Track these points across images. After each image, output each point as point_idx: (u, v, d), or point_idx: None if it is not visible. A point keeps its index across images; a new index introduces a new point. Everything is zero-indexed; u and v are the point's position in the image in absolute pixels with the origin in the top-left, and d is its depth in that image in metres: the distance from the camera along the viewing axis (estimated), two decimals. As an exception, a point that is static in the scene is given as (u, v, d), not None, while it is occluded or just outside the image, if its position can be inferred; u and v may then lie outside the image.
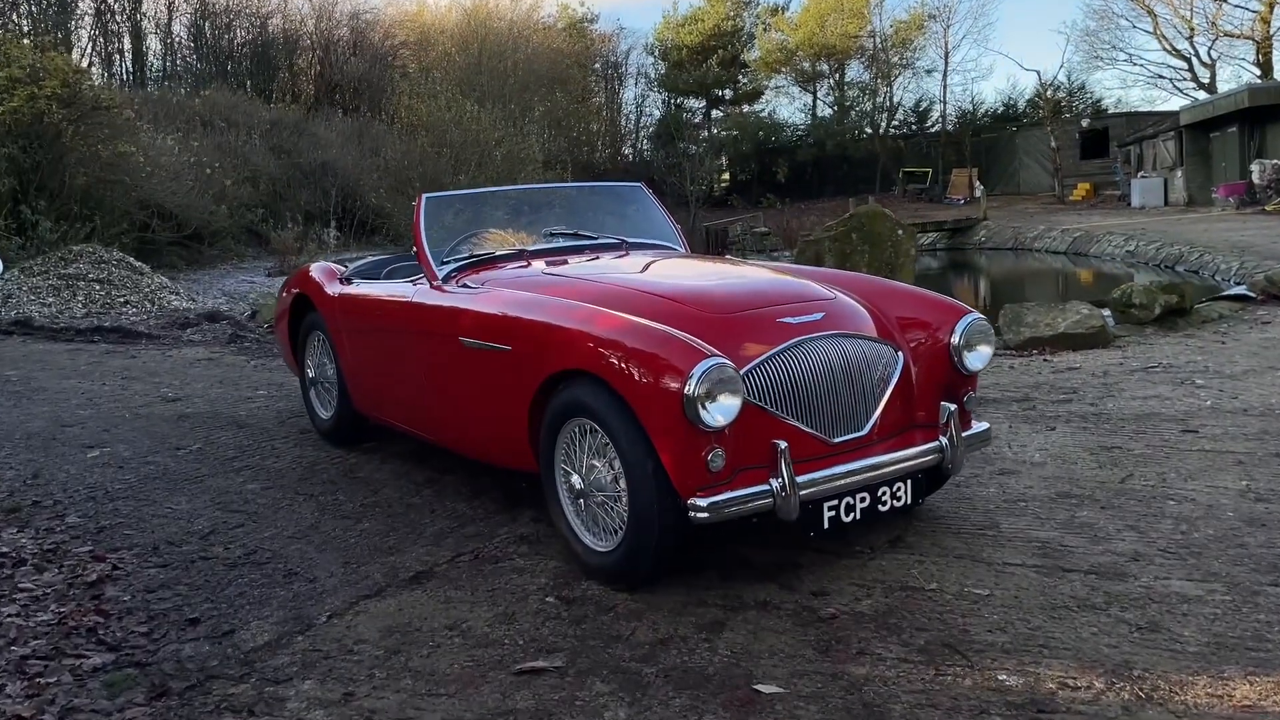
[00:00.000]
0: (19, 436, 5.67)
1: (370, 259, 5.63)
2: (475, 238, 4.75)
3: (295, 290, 5.53)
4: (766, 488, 3.27)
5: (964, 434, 3.75)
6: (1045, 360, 7.23)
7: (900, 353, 3.78)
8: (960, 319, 3.83)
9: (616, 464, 3.41)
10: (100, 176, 15.44)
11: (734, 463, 3.30)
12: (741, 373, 3.34)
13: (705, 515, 3.19)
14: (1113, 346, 7.65)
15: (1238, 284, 10.21)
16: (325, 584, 3.66)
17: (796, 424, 3.44)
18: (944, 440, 3.67)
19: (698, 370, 3.14)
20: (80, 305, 10.96)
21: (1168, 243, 19.34)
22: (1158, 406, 5.65)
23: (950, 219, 33.89)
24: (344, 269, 5.38)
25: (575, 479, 3.56)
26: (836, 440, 3.52)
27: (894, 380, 3.70)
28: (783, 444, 3.29)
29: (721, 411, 3.18)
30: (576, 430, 3.57)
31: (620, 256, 4.71)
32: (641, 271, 4.29)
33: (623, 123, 47.98)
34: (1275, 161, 24.48)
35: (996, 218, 33.08)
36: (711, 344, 3.39)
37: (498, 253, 4.57)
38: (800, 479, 3.32)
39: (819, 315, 3.67)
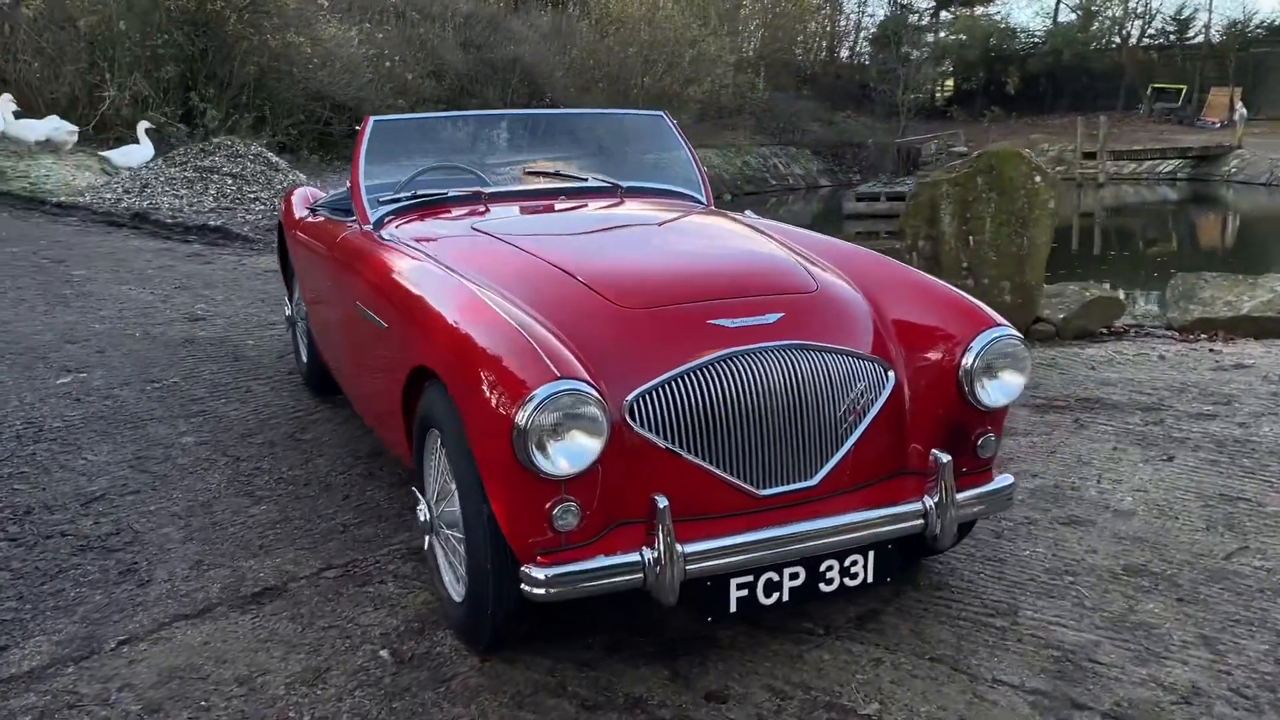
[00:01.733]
0: (17, 351, 5.40)
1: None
2: (441, 173, 3.96)
3: (279, 216, 4.93)
4: (635, 559, 2.40)
5: (965, 494, 2.73)
6: (1212, 351, 5.79)
7: (892, 373, 2.76)
8: (980, 332, 2.76)
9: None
10: (269, 66, 15.48)
11: (605, 517, 2.44)
12: (635, 395, 2.46)
13: (541, 592, 2.36)
14: (1309, 336, 6.10)
15: None
16: (153, 592, 3.06)
17: (710, 468, 2.52)
18: (928, 501, 2.66)
19: (536, 397, 2.27)
20: (211, 199, 10.90)
21: None
22: (1331, 436, 4.29)
23: (1198, 145, 30.20)
24: (323, 195, 4.71)
25: (422, 508, 2.79)
26: (767, 493, 2.58)
27: (874, 412, 2.70)
28: (662, 500, 2.39)
29: (568, 455, 2.31)
30: (437, 442, 2.78)
31: (609, 205, 3.80)
32: (588, 234, 3.38)
33: (841, 23, 45.13)
34: None
35: (1254, 146, 29.15)
36: (609, 350, 2.53)
37: (451, 194, 3.76)
38: (692, 547, 2.42)
39: (773, 317, 2.69)
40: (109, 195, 10.91)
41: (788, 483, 2.60)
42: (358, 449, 4.16)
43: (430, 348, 2.66)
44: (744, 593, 2.53)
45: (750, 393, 2.54)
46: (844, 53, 45.45)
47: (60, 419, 4.44)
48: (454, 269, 2.98)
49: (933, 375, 2.78)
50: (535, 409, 2.26)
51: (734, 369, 2.55)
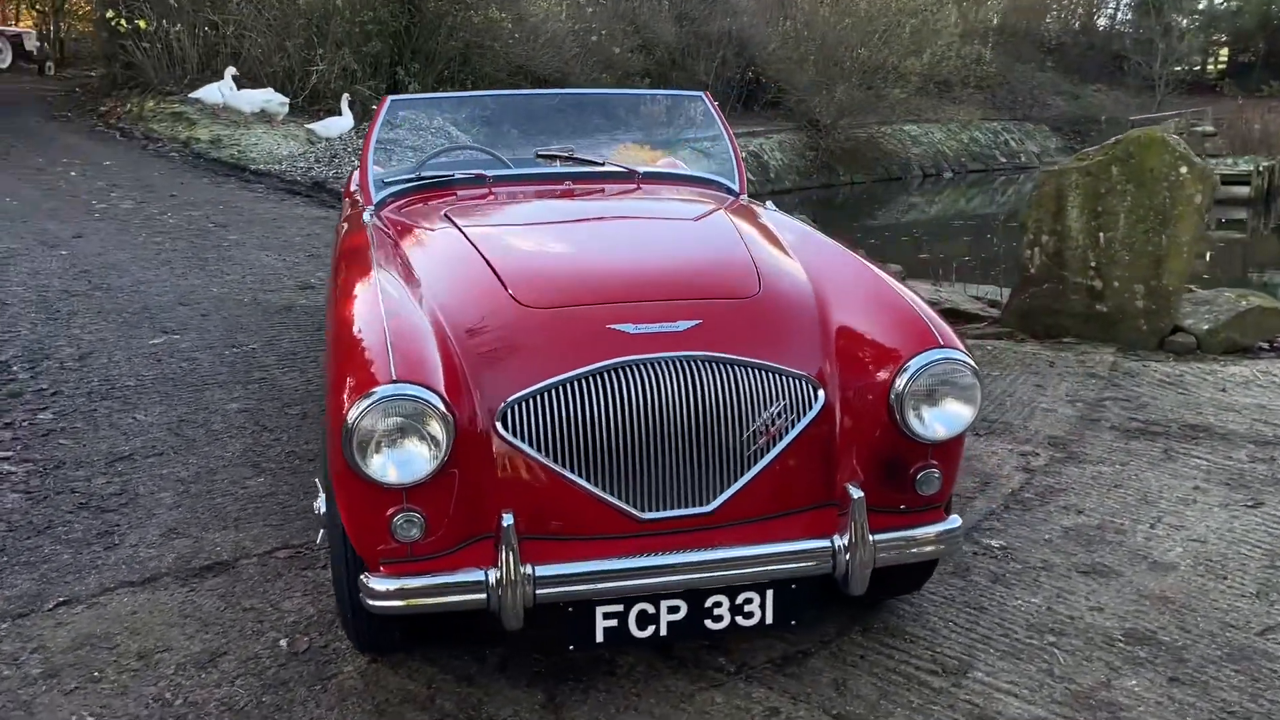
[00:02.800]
0: (133, 310, 5.78)
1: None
2: (459, 154, 3.89)
3: (344, 190, 5.01)
4: (477, 577, 2.25)
5: (889, 535, 2.40)
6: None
7: (821, 393, 2.46)
8: (919, 353, 2.41)
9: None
10: (473, 42, 15.95)
11: (465, 529, 2.30)
12: (510, 402, 2.30)
13: (379, 603, 2.25)
14: None
15: None
16: (114, 556, 3.18)
17: (588, 486, 2.32)
18: (838, 541, 2.36)
19: (370, 398, 2.16)
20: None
21: None
22: None
23: None
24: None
25: (321, 500, 2.73)
26: (651, 517, 2.35)
27: (792, 436, 2.42)
28: (508, 518, 2.23)
29: (398, 464, 2.18)
30: (333, 437, 2.72)
31: (622, 193, 3.61)
32: (547, 226, 3.19)
33: (1103, -11, 41.86)
34: None
35: None
36: (498, 351, 2.39)
37: (456, 176, 3.68)
38: (546, 570, 2.25)
39: (685, 325, 2.45)
40: (301, 164, 11.59)
41: (679, 508, 2.36)
42: (379, 427, 4.18)
43: (326, 337, 2.61)
44: (612, 623, 2.33)
45: (640, 407, 2.31)
46: (1101, 21, 42.23)
47: (135, 378, 4.72)
48: (400, 258, 2.90)
49: (868, 397, 2.45)
50: (364, 411, 2.14)
51: (624, 380, 2.33)
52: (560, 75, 18.52)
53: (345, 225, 3.65)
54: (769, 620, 2.40)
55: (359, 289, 2.65)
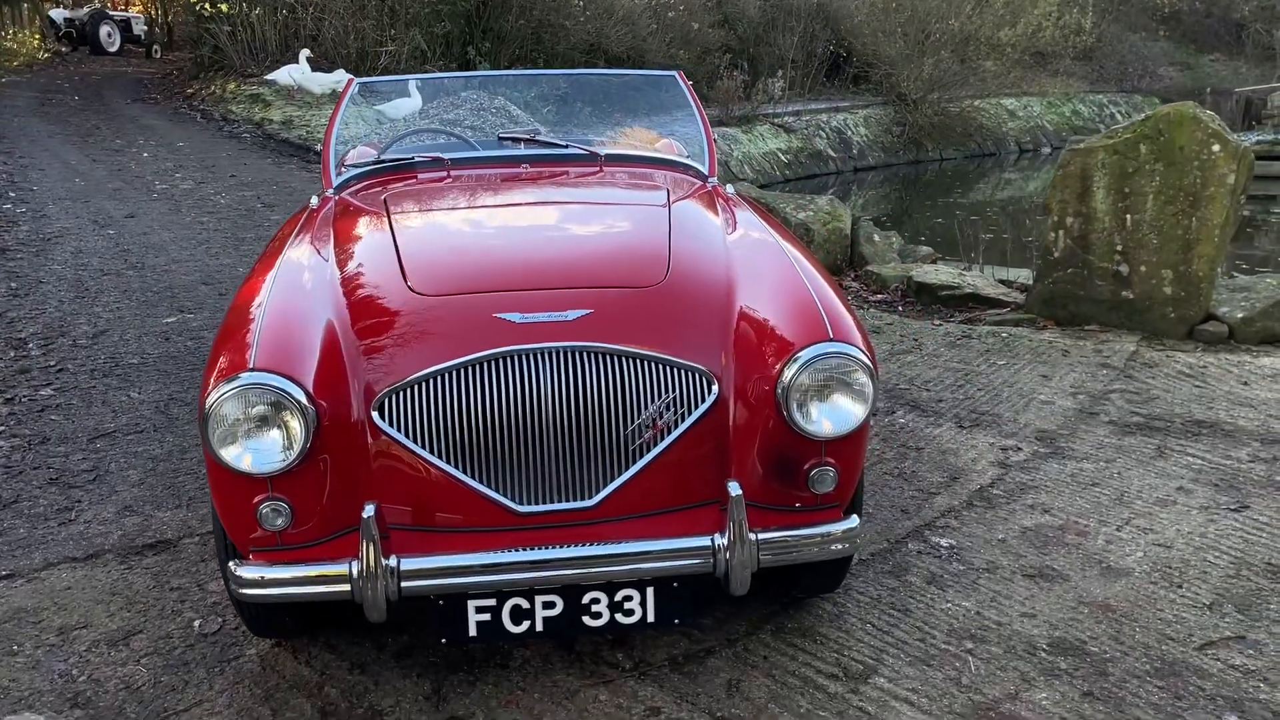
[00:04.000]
0: (158, 289, 5.94)
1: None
2: (423, 138, 3.87)
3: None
4: (341, 569, 2.23)
5: (773, 534, 2.31)
6: None
7: (715, 386, 2.37)
8: (810, 344, 2.30)
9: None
10: (544, 20, 15.95)
11: (338, 520, 2.29)
12: (386, 391, 2.28)
13: (246, 591, 2.26)
14: None
15: None
16: (66, 530, 3.26)
17: (463, 478, 2.29)
18: (719, 540, 2.27)
19: (229, 383, 2.16)
20: (450, 148, 11.48)
21: None
22: None
23: None
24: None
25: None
26: (528, 510, 2.31)
27: (681, 430, 2.34)
28: (369, 509, 2.20)
29: (253, 452, 2.18)
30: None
31: (584, 175, 3.55)
32: (469, 211, 3.12)
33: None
34: None
35: None
36: (385, 338, 2.38)
37: (417, 159, 3.66)
38: (412, 563, 2.23)
39: (575, 314, 2.39)
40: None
41: (558, 501, 2.31)
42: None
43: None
44: (485, 617, 2.30)
45: (520, 398, 2.27)
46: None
47: (140, 356, 4.85)
48: (324, 243, 2.90)
49: (760, 391, 2.36)
50: (220, 398, 2.15)
51: (504, 370, 2.29)
52: (636, 54, 18.41)
53: (310, 207, 3.67)
54: (650, 618, 2.33)
55: (259, 273, 2.66)
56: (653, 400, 2.32)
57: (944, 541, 3.10)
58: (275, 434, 2.18)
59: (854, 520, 2.40)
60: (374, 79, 3.99)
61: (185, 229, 7.54)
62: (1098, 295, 5.19)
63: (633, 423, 2.31)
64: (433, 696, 2.44)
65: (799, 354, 2.30)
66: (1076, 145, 5.24)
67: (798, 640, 2.62)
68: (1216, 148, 4.80)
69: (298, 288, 2.53)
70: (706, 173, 3.71)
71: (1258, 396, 4.24)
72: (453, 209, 3.14)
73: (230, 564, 2.27)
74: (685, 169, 3.71)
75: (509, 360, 2.29)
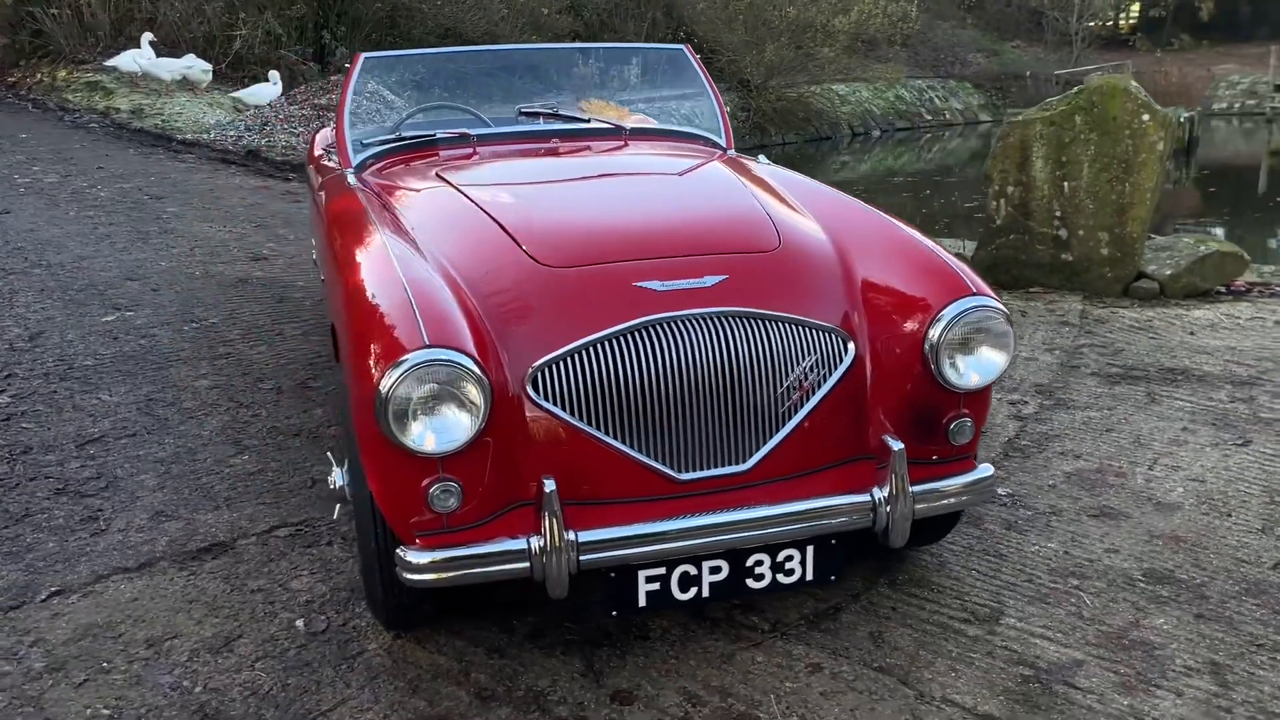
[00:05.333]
0: (79, 287, 5.52)
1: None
2: (436, 114, 3.76)
3: (306, 156, 4.83)
4: (520, 546, 2.18)
5: (926, 485, 2.38)
6: (1342, 315, 5.08)
7: (852, 345, 2.42)
8: (953, 300, 2.39)
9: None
10: (399, 3, 15.55)
11: (502, 498, 2.22)
12: (540, 365, 2.23)
13: (418, 577, 2.17)
14: None
15: None
16: (103, 542, 3.03)
17: (623, 449, 2.26)
18: (878, 494, 2.33)
19: (402, 364, 2.06)
20: (326, 135, 11.07)
21: None
22: None
23: None
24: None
25: (336, 473, 2.62)
26: (688, 477, 2.30)
27: (825, 390, 2.38)
28: (549, 484, 2.16)
29: (436, 431, 2.10)
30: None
31: (611, 149, 3.52)
32: (548, 184, 3.09)
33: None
34: None
35: None
36: (522, 312, 2.31)
37: (438, 135, 3.55)
38: (589, 535, 2.19)
39: (713, 280, 2.39)
40: (231, 133, 11.19)
41: (715, 467, 2.32)
42: (361, 399, 4.06)
43: (333, 305, 2.49)
44: (654, 586, 2.29)
45: (673, 366, 2.26)
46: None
47: (93, 357, 4.51)
48: (396, 220, 2.78)
49: (899, 348, 2.43)
50: (399, 378, 2.05)
51: (655, 338, 2.27)
52: (489, 37, 18.17)
53: (325, 192, 3.51)
54: (809, 577, 2.37)
55: (366, 253, 2.54)
56: (798, 362, 2.36)
57: (1002, 490, 3.26)
58: (457, 411, 2.10)
59: (989, 468, 2.51)
60: (381, 54, 3.81)
61: (75, 224, 7.01)
62: (1039, 259, 5.51)
63: (781, 385, 2.34)
64: (588, 673, 2.40)
65: (943, 311, 2.37)
66: (1015, 118, 5.54)
67: (916, 590, 2.71)
68: (1146, 117, 5.17)
69: (415, 265, 2.42)
70: (725, 145, 3.76)
71: (1209, 344, 4.61)
72: (527, 182, 3.07)
73: (399, 550, 2.18)
74: (705, 141, 3.74)
75: (661, 328, 2.28)
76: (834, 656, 2.44)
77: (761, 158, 3.61)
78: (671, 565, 2.28)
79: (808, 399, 2.37)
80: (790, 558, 2.35)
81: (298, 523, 3.12)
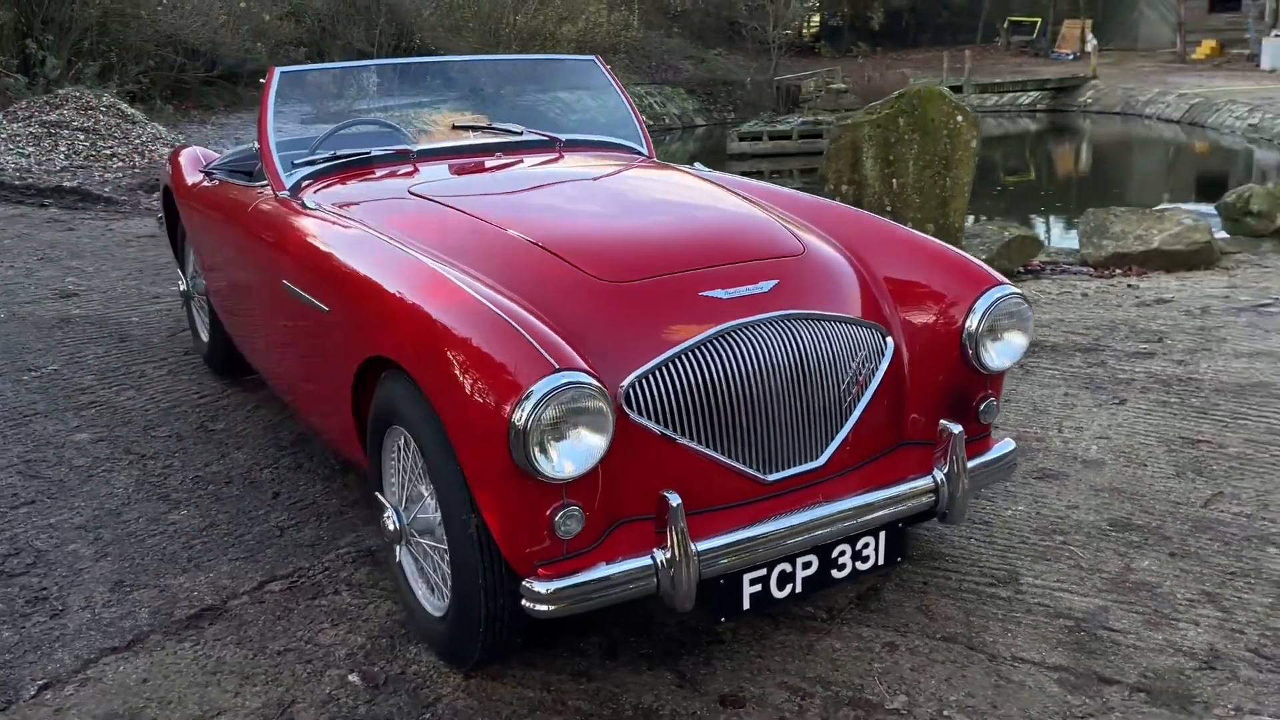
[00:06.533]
0: None
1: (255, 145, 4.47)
2: (359, 130, 3.57)
3: (165, 179, 4.43)
4: (646, 563, 2.16)
5: (973, 462, 2.57)
6: (1130, 286, 5.84)
7: (889, 339, 2.57)
8: (983, 292, 2.59)
9: (437, 500, 2.33)
10: (112, 9, 14.31)
11: (606, 516, 2.19)
12: (631, 380, 2.21)
13: (547, 608, 2.11)
14: (1218, 268, 6.22)
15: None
16: (71, 622, 2.68)
17: (715, 456, 2.30)
18: (939, 475, 2.49)
19: (535, 393, 2.00)
20: (61, 157, 10.00)
21: (1297, 117, 17.08)
22: (1266, 372, 4.32)
23: (1055, 77, 31.07)
24: (216, 157, 4.25)
25: (390, 516, 2.48)
26: (775, 478, 2.37)
27: (876, 382, 2.52)
28: (674, 498, 2.16)
29: (572, 456, 2.06)
30: (402, 442, 2.48)
31: (549, 161, 3.49)
32: (543, 194, 3.09)
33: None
34: None
35: (1107, 77, 30.12)
36: (594, 330, 2.27)
37: (373, 153, 3.39)
38: (703, 545, 2.20)
39: (768, 285, 2.47)
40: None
41: (794, 465, 2.40)
42: (280, 438, 3.79)
43: (392, 336, 2.35)
44: (757, 588, 2.34)
45: (752, 370, 2.32)
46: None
47: (-73, 420, 3.93)
48: (402, 242, 2.65)
49: (933, 339, 2.60)
50: (535, 407, 1.99)
51: (733, 345, 2.33)
52: (211, 45, 17.12)
53: (257, 214, 3.25)
54: (881, 561, 2.50)
55: (412, 279, 2.41)
56: (853, 358, 2.49)
57: (951, 464, 3.52)
58: (589, 433, 2.06)
59: (1011, 442, 2.74)
60: (298, 68, 3.56)
61: None
62: (873, 251, 5.93)
63: (843, 381, 2.46)
64: (684, 684, 2.41)
65: (978, 301, 2.57)
66: (845, 122, 5.94)
67: (935, 563, 2.90)
68: (960, 119, 5.71)
69: (485, 290, 2.33)
70: (646, 153, 3.82)
71: (1040, 318, 5.16)
72: (522, 195, 3.00)
73: (525, 582, 2.11)
74: (629, 150, 3.79)
75: (737, 334, 2.34)
76: (900, 634, 2.58)
77: (697, 164, 3.71)
78: (772, 565, 2.34)
79: (863, 392, 2.50)
80: (866, 545, 2.46)
81: (288, 575, 2.89)
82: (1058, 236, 11.38)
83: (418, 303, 2.30)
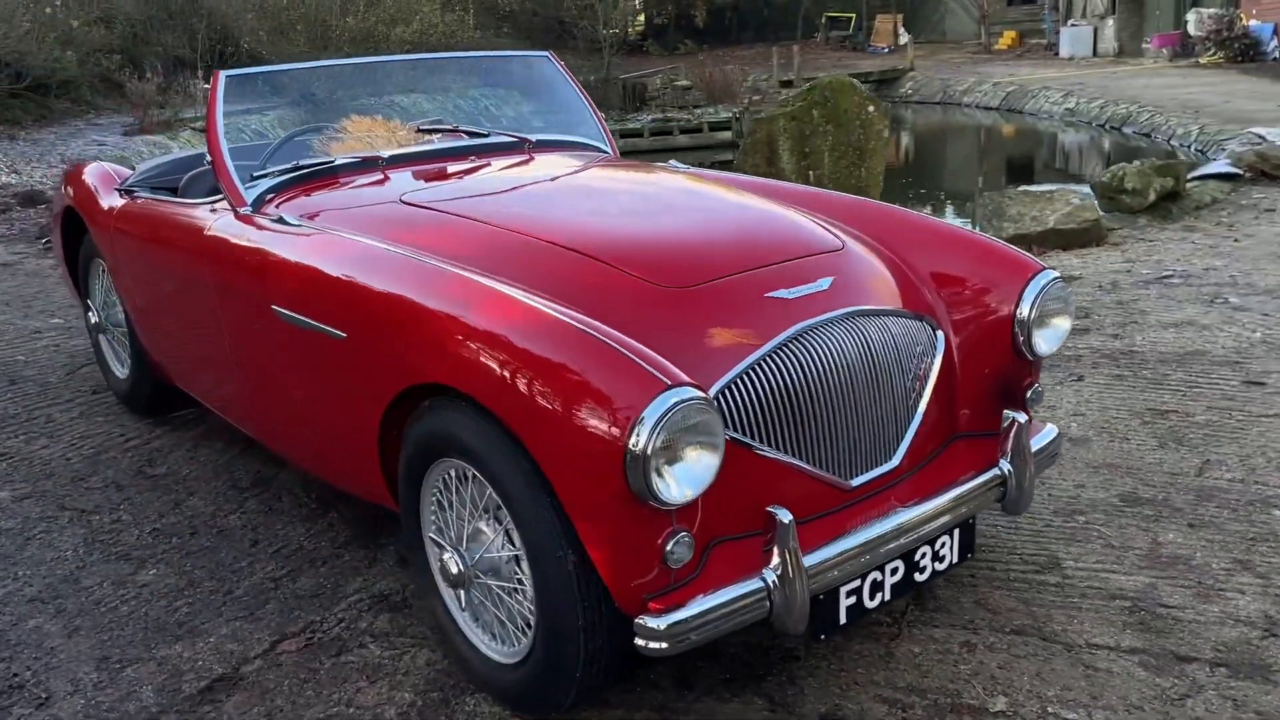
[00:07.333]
0: None
1: (169, 158, 4.08)
2: (310, 138, 3.28)
3: (66, 200, 3.97)
4: (758, 585, 2.02)
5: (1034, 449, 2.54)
6: (1036, 264, 6.03)
7: (940, 332, 2.51)
8: (1030, 279, 2.55)
9: (516, 537, 2.12)
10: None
11: (702, 539, 2.04)
12: (718, 389, 2.07)
13: (663, 645, 1.94)
14: (1108, 244, 6.51)
15: (1222, 158, 9.13)
16: (63, 710, 2.34)
17: (800, 465, 2.18)
18: (1006, 466, 2.44)
19: (652, 413, 1.83)
20: None
21: (1110, 100, 18.20)
22: (1197, 340, 4.52)
23: (876, 70, 32.26)
24: (130, 172, 3.84)
25: (451, 557, 2.26)
26: (857, 482, 2.27)
27: (933, 376, 2.45)
28: (785, 515, 2.02)
29: (690, 479, 1.90)
30: (452, 474, 2.25)
31: (522, 163, 3.29)
32: (553, 197, 2.90)
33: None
34: (1214, 11, 23.36)
35: (923, 68, 31.51)
36: (665, 339, 2.10)
37: (338, 161, 3.11)
38: (809, 558, 2.08)
39: (826, 282, 2.37)
40: None
41: (872, 468, 2.31)
42: (235, 478, 3.44)
43: (447, 360, 2.12)
44: (852, 600, 2.23)
45: (830, 372, 2.22)
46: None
47: None
48: (416, 254, 2.42)
49: (981, 329, 2.55)
50: (653, 428, 1.82)
51: (808, 346, 2.22)
52: (16, 55, 15.81)
53: (218, 235, 2.92)
54: (955, 559, 2.44)
55: (461, 295, 2.18)
56: (913, 353, 2.42)
57: (946, 452, 3.51)
58: (702, 452, 1.90)
59: (1053, 426, 2.72)
60: (244, 71, 3.21)
61: None
62: (792, 243, 5.94)
63: (909, 377, 2.39)
64: (777, 708, 2.29)
65: (1027, 289, 2.52)
66: (759, 115, 5.91)
67: (982, 577, 2.86)
68: (871, 109, 5.77)
69: (560, 307, 2.13)
70: (609, 151, 3.67)
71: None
72: (533, 200, 2.80)
73: (639, 620, 1.93)
74: (595, 149, 3.63)
75: (811, 335, 2.24)
76: (972, 631, 2.53)
77: (673, 161, 3.57)
78: (866, 575, 2.24)
79: (924, 388, 2.43)
80: (943, 544, 2.39)
81: (300, 631, 2.61)
82: (949, 221, 11.74)
83: (480, 322, 2.08)
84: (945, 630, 2.53)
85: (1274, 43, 21.70)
